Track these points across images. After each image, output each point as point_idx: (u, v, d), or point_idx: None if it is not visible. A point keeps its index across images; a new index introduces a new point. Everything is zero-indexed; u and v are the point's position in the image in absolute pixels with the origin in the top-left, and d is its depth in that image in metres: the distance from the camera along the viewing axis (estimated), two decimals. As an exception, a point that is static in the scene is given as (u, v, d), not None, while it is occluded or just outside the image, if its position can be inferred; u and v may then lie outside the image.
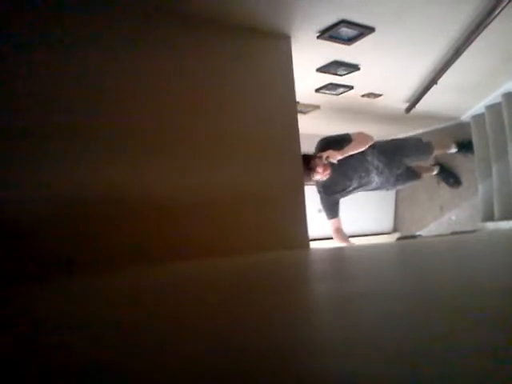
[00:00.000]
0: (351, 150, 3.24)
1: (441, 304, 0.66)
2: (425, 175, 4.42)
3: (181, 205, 2.01)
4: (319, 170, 3.18)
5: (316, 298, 0.88)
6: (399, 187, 4.31)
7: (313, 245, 3.11)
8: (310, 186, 3.32)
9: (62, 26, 1.86)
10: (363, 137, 3.34)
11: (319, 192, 3.54)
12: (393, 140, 3.77)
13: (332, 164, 3.22)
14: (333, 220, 3.54)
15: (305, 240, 2.40)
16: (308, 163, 3.12)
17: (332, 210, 3.53)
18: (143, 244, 1.87)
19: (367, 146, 3.36)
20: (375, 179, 3.61)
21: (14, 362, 0.52)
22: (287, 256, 2.00)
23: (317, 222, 4.12)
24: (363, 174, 3.50)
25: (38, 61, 1.78)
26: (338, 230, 3.56)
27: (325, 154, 3.17)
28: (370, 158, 3.48)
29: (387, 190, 4.04)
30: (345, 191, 3.54)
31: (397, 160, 3.69)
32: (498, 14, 2.34)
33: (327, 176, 3.26)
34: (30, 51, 1.77)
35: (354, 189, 3.58)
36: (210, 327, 0.62)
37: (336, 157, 3.17)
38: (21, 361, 0.52)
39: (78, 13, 1.88)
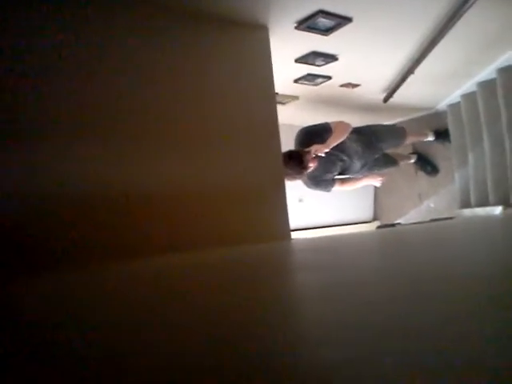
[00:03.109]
0: (334, 141, 3.26)
1: (414, 290, 0.67)
2: (402, 163, 4.48)
3: (161, 199, 2.00)
4: (312, 165, 3.20)
5: (297, 287, 0.89)
6: (376, 172, 4.37)
7: (294, 235, 3.13)
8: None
9: (62, 26, 1.81)
10: (343, 126, 3.36)
11: (308, 185, 3.56)
12: (368, 125, 3.81)
13: (318, 156, 3.23)
14: (334, 186, 3.59)
15: (286, 231, 2.41)
16: (300, 160, 3.12)
17: (327, 184, 3.56)
18: (122, 238, 1.85)
19: (347, 135, 3.38)
20: (355, 163, 3.66)
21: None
22: (269, 248, 2.01)
23: (298, 211, 4.15)
24: (344, 158, 3.54)
25: (37, 59, 1.75)
26: (345, 184, 3.67)
27: (313, 149, 3.17)
28: (349, 144, 3.52)
29: (365, 174, 4.10)
30: (330, 175, 3.58)
31: (373, 144, 3.74)
32: (473, 3, 2.37)
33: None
34: (27, 51, 1.73)
35: (339, 174, 3.62)
36: (202, 321, 0.62)
37: (323, 150, 3.18)
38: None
39: (74, 9, 1.84)
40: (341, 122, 3.38)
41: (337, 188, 3.63)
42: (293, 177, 3.18)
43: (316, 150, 3.16)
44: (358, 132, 3.61)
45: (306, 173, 3.25)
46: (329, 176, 3.55)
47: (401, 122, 4.95)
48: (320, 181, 3.53)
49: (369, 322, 0.54)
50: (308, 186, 3.57)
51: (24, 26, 1.79)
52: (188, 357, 0.48)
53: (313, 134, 3.31)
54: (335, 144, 3.28)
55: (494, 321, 0.49)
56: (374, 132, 3.80)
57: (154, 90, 2.08)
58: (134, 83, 2.03)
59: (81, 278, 1.43)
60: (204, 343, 0.52)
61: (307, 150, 3.18)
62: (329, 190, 3.61)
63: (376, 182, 4.01)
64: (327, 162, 3.42)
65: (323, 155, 3.20)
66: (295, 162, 3.10)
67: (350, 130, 3.40)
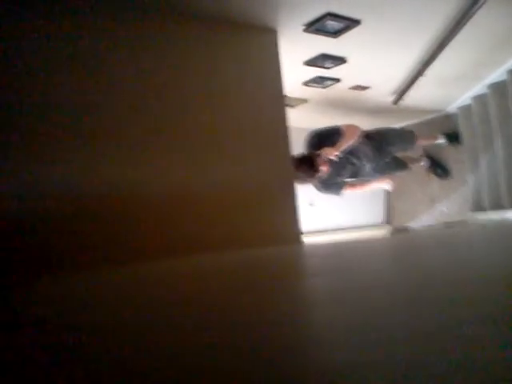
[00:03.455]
0: (345, 144, 3.25)
1: (431, 297, 0.66)
2: (413, 166, 4.45)
3: (171, 201, 1.99)
4: (323, 168, 3.18)
5: (310, 292, 0.87)
6: (387, 176, 4.34)
7: (305, 239, 3.11)
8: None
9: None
10: (353, 129, 3.35)
11: (318, 188, 3.55)
12: (378, 129, 3.79)
13: (330, 159, 3.21)
14: (346, 190, 3.57)
15: (296, 235, 2.39)
16: (312, 164, 3.12)
17: (337, 188, 3.56)
18: (131, 241, 1.85)
19: (357, 138, 3.37)
20: (366, 166, 3.64)
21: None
22: (280, 252, 1.99)
23: (308, 215, 4.13)
24: (354, 161, 3.52)
25: (37, 59, 1.76)
26: (356, 187, 3.68)
27: (323, 152, 3.15)
28: (359, 147, 3.50)
29: (376, 178, 4.07)
30: (341, 179, 3.57)
31: (383, 148, 3.72)
32: (482, 5, 2.34)
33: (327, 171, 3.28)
34: (27, 50, 1.74)
35: (349, 177, 3.61)
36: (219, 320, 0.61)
37: (334, 153, 3.17)
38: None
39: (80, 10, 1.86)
40: (351, 125, 3.36)
41: (347, 191, 3.61)
42: (304, 180, 3.17)
43: (327, 154, 3.15)
44: (367, 136, 3.59)
45: (317, 176, 3.24)
46: (339, 179, 3.54)
47: (411, 125, 4.91)
48: (331, 184, 3.51)
49: (376, 326, 0.53)
50: (318, 189, 3.56)
51: (26, 27, 1.80)
52: (192, 358, 0.47)
53: (323, 137, 3.30)
54: (346, 147, 3.26)
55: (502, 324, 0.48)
56: (383, 136, 3.78)
57: (162, 92, 2.08)
58: (142, 84, 2.03)
59: (92, 281, 1.43)
60: (214, 346, 0.51)
61: (318, 153, 3.17)
62: (339, 194, 3.59)
63: (386, 185, 3.98)
64: (338, 166, 3.40)
65: (334, 158, 3.19)
66: (306, 165, 3.09)
67: (360, 132, 3.38)
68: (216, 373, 0.41)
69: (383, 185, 4.00)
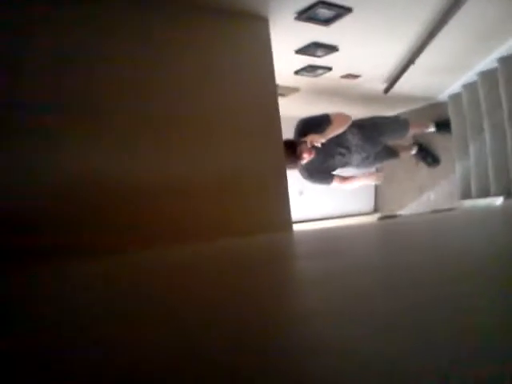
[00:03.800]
0: (332, 132, 3.24)
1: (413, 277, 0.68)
2: (403, 154, 4.48)
3: (163, 190, 2.00)
4: (305, 155, 3.18)
5: (305, 274, 0.90)
6: (378, 165, 4.36)
7: (295, 227, 3.13)
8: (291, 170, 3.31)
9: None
10: (342, 118, 3.35)
11: (304, 176, 3.53)
12: (371, 118, 3.78)
13: (315, 147, 3.21)
14: (333, 183, 3.54)
15: (288, 223, 2.41)
16: (294, 150, 3.11)
17: (325, 177, 3.53)
18: (125, 230, 1.86)
19: (346, 127, 3.37)
20: (356, 156, 3.64)
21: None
22: (272, 239, 2.01)
23: (298, 204, 4.15)
24: (343, 151, 3.52)
25: (32, 57, 1.74)
26: (344, 182, 3.59)
27: (308, 139, 3.15)
28: (349, 137, 3.50)
29: (366, 167, 4.07)
30: (328, 169, 3.55)
31: (375, 137, 3.72)
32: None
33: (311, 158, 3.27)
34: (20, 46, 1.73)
35: (337, 166, 3.59)
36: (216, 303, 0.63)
37: (319, 140, 3.16)
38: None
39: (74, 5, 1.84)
40: (340, 114, 3.37)
41: (335, 185, 3.57)
42: (288, 166, 3.15)
43: (312, 140, 3.14)
44: (359, 125, 3.59)
45: (300, 163, 3.23)
46: (327, 169, 3.52)
47: (402, 113, 4.94)
48: (317, 174, 3.50)
49: (356, 304, 0.55)
50: (305, 177, 3.53)
51: (24, 24, 1.79)
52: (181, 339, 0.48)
53: (311, 125, 3.29)
54: (333, 135, 3.26)
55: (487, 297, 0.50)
56: (376, 125, 3.77)
57: (154, 83, 2.08)
58: (133, 75, 2.02)
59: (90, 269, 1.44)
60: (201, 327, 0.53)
61: (303, 139, 3.16)
62: (328, 184, 3.58)
63: (375, 180, 3.99)
64: (325, 155, 3.40)
65: (319, 146, 3.17)
66: (289, 151, 3.06)
67: (350, 122, 3.38)
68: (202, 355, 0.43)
69: (372, 180, 3.99)
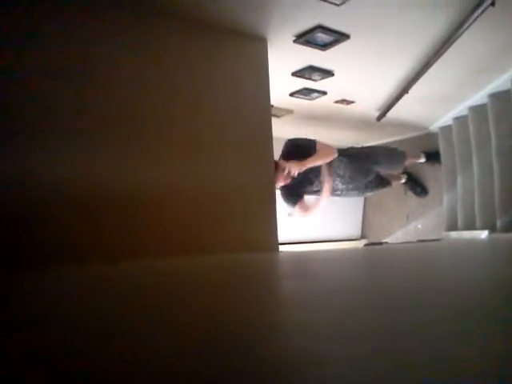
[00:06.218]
0: (311, 164, 3.22)
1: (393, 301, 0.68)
2: (394, 183, 4.50)
3: (152, 204, 1.99)
4: (280, 181, 3.15)
5: (284, 293, 0.89)
6: (368, 194, 4.37)
7: (282, 248, 3.10)
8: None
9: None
10: (327, 151, 3.34)
11: (280, 190, 3.46)
12: (367, 147, 3.79)
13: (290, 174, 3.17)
14: (296, 207, 3.48)
15: (274, 243, 2.40)
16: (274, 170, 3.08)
17: (292, 200, 3.45)
18: (103, 241, 1.84)
19: (328, 161, 3.36)
20: (339, 187, 3.63)
21: None
22: (257, 258, 2.00)
23: (287, 225, 4.14)
24: (314, 181, 3.47)
25: (30, 58, 1.75)
26: (306, 211, 3.50)
27: (287, 168, 3.13)
28: (334, 166, 3.49)
29: (357, 196, 4.06)
30: (303, 193, 3.50)
31: (366, 168, 3.72)
32: (467, 28, 2.41)
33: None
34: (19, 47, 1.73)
35: (314, 192, 3.54)
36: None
37: (296, 171, 3.15)
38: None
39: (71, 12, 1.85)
40: (327, 146, 3.36)
41: (297, 210, 3.48)
42: None
43: (290, 169, 3.12)
44: (351, 155, 3.58)
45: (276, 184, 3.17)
46: (301, 193, 3.45)
47: (393, 142, 5.00)
48: (287, 193, 3.42)
49: (332, 323, 0.54)
50: (280, 194, 3.48)
51: (24, 25, 1.79)
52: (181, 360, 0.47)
53: (296, 150, 3.27)
54: (311, 166, 3.24)
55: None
56: (370, 155, 3.77)
57: (150, 96, 2.08)
58: (130, 88, 2.03)
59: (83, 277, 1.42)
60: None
61: (283, 166, 3.13)
62: (292, 207, 3.48)
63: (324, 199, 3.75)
64: (304, 179, 3.36)
65: (295, 175, 3.15)
66: None
67: (332, 157, 3.36)
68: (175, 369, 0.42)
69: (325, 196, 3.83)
